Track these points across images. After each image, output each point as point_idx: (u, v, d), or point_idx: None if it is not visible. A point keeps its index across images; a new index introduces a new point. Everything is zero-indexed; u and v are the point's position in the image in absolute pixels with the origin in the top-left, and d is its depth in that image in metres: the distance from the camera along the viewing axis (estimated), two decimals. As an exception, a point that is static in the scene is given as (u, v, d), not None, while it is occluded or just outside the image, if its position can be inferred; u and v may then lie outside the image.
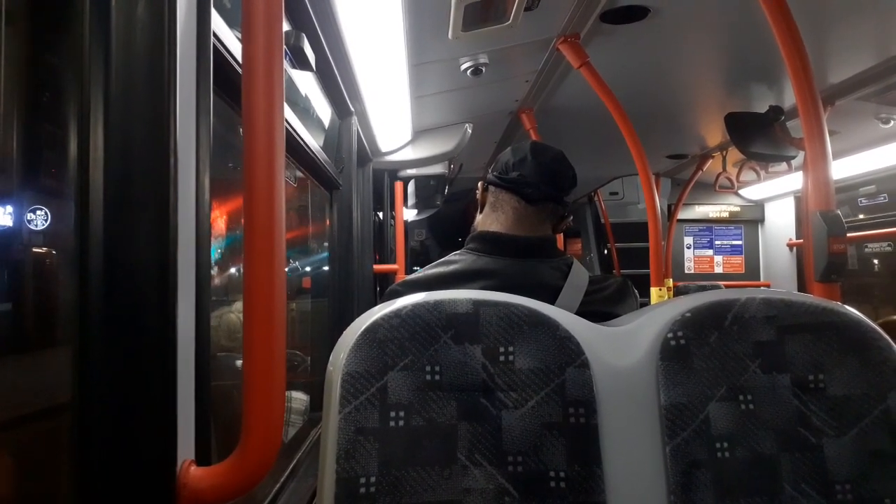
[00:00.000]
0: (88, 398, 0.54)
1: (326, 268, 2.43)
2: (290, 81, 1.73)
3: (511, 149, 1.27)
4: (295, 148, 1.55)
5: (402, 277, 2.44)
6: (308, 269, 2.68)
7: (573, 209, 6.12)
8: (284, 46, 1.32)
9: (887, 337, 0.90)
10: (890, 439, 0.85)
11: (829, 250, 1.41)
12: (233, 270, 1.87)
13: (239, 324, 1.82)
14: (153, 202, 0.57)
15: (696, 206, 5.22)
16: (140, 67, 0.57)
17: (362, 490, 0.77)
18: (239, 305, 1.88)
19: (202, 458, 0.64)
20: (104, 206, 0.55)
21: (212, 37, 0.71)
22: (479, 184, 1.30)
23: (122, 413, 0.54)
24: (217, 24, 0.83)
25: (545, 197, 1.21)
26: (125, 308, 0.55)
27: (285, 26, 1.37)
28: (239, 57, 0.94)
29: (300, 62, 1.38)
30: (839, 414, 0.86)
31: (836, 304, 0.92)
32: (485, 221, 1.25)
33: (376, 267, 3.24)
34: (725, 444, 0.84)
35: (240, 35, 0.74)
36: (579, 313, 0.97)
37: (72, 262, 0.56)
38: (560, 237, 3.57)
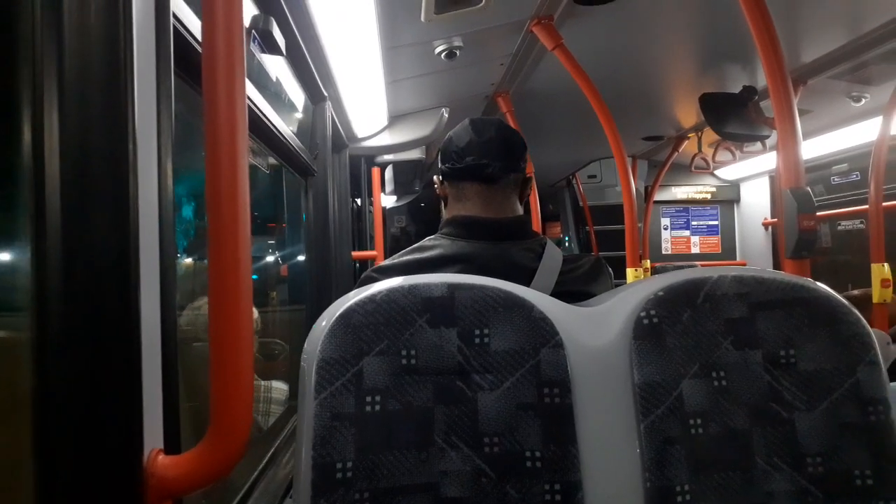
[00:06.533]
0: (48, 389, 0.52)
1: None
2: (261, 66, 1.71)
3: (450, 137, 1.24)
4: (266, 133, 1.52)
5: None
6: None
7: (551, 193, 6.14)
8: (254, 31, 1.30)
9: (856, 311, 0.91)
10: (859, 412, 0.86)
11: (799, 227, 1.42)
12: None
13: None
14: (112, 188, 0.55)
15: (673, 188, 5.27)
16: (95, 47, 0.55)
17: (339, 475, 0.76)
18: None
19: (172, 447, 0.64)
20: (61, 193, 0.53)
21: (171, 17, 0.69)
22: (435, 178, 1.28)
23: (84, 403, 0.53)
24: (177, 3, 0.81)
25: (506, 170, 1.19)
26: (85, 296, 0.53)
27: (253, 10, 1.35)
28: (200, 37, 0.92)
29: (269, 46, 1.36)
30: (810, 388, 0.87)
31: (807, 280, 0.93)
32: (452, 213, 1.22)
33: (355, 254, 3.22)
34: (699, 421, 0.85)
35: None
36: (555, 293, 0.97)
37: (29, 248, 0.54)
38: (538, 220, 3.58)
